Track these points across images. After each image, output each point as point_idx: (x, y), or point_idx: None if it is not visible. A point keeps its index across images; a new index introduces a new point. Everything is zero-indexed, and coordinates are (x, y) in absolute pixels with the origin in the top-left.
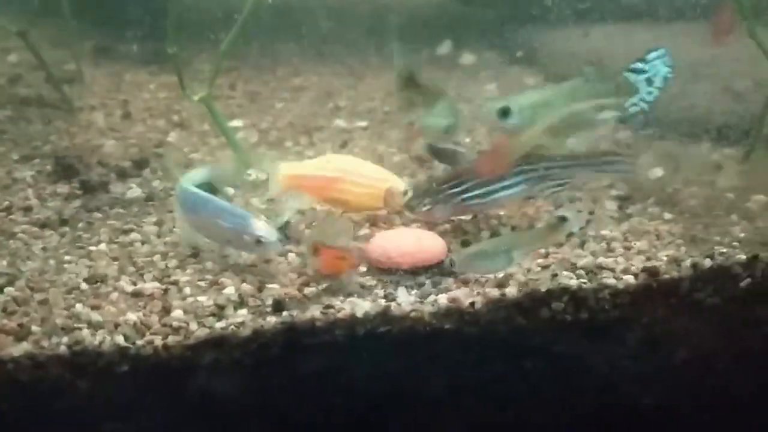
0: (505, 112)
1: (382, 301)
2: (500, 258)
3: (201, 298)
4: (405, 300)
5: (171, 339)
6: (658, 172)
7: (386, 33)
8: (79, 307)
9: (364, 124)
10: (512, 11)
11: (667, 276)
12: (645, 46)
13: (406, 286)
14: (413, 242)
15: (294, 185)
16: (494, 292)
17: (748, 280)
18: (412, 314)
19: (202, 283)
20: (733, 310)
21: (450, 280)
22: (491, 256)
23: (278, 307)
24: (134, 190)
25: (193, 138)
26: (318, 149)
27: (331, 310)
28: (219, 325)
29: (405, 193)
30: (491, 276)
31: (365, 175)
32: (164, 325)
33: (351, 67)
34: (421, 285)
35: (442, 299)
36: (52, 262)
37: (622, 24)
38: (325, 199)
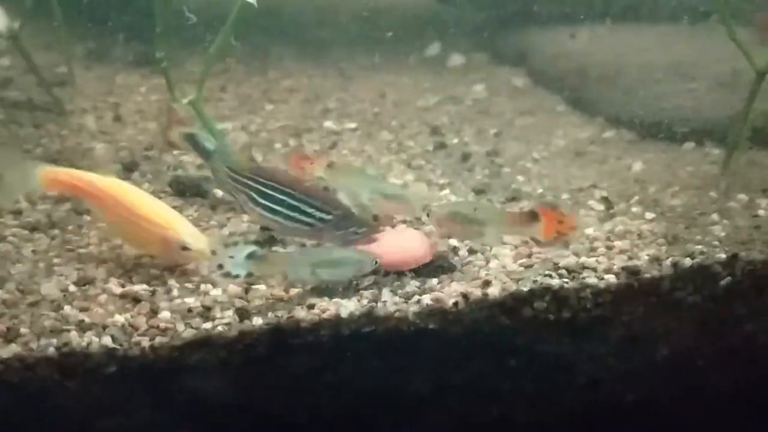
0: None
1: (367, 302)
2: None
3: (188, 300)
4: (389, 300)
5: (158, 340)
6: (637, 166)
7: (376, 35)
8: (67, 309)
9: (353, 125)
10: (500, 13)
11: (647, 275)
12: (631, 46)
13: (390, 287)
14: (398, 243)
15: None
16: (477, 292)
17: (729, 278)
18: (396, 314)
19: (189, 285)
20: (713, 308)
21: (434, 281)
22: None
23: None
24: None
25: (183, 141)
26: (306, 151)
27: (316, 311)
28: (206, 326)
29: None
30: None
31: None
32: (152, 327)
33: (341, 69)
34: (405, 285)
35: (426, 299)
36: (41, 265)
37: (610, 25)
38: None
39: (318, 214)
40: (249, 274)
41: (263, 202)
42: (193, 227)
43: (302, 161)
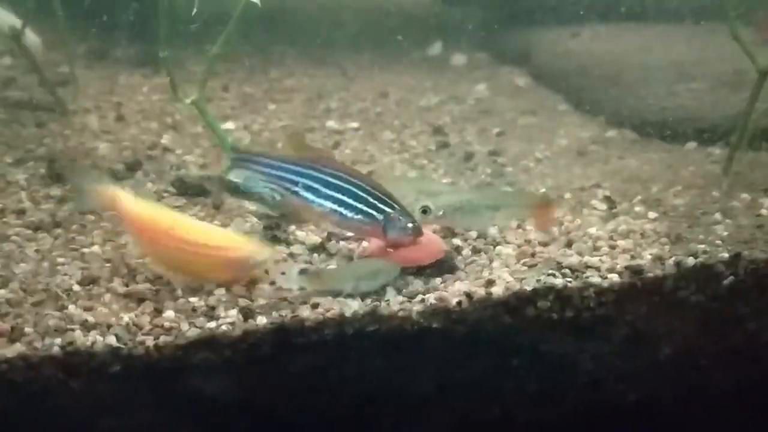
0: (425, 210)
1: (370, 301)
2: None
3: (192, 299)
4: (393, 299)
5: (162, 339)
6: (640, 165)
7: (377, 34)
8: (72, 308)
9: (355, 125)
10: (502, 12)
11: (650, 274)
12: (633, 46)
13: (394, 286)
14: None
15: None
16: (481, 292)
17: (731, 278)
18: (400, 313)
19: (193, 284)
20: (716, 307)
21: (438, 280)
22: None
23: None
24: None
25: (186, 140)
26: (309, 150)
27: (320, 310)
28: (210, 325)
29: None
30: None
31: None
32: (156, 326)
33: (343, 69)
34: (409, 284)
35: (430, 299)
36: (45, 264)
37: (612, 25)
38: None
39: (381, 206)
40: (301, 288)
41: (326, 191)
42: (250, 239)
43: None
